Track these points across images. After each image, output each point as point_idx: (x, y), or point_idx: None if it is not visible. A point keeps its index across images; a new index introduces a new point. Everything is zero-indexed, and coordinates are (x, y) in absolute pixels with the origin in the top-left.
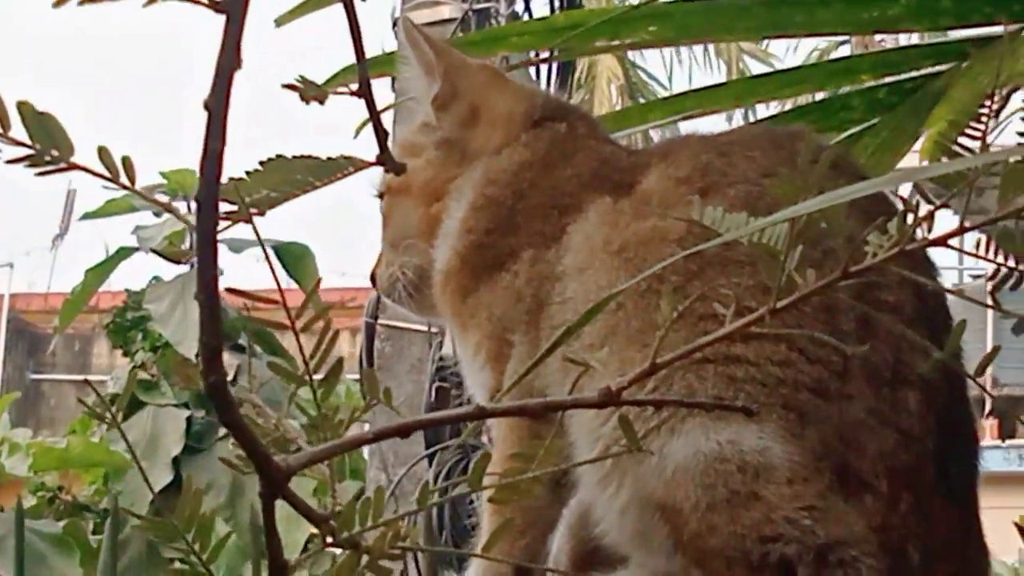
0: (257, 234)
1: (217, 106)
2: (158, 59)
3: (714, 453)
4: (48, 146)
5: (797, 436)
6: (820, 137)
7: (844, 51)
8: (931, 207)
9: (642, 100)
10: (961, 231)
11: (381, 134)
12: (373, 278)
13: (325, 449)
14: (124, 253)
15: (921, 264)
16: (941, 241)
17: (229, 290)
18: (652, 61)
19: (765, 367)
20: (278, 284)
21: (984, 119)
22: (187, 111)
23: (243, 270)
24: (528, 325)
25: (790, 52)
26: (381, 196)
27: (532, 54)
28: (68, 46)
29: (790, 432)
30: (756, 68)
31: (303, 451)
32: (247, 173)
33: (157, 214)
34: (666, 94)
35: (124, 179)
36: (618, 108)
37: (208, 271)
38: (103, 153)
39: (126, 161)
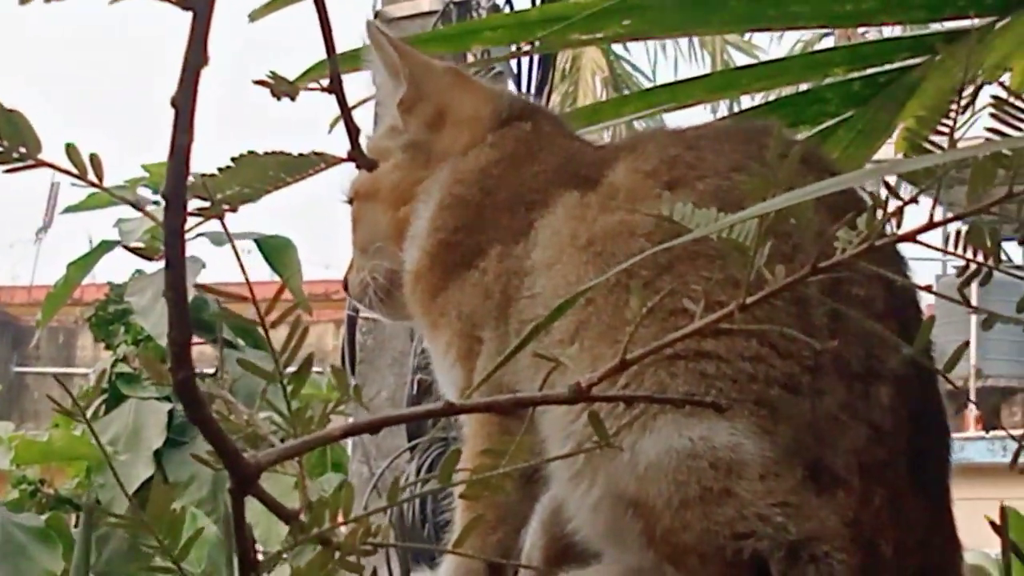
0: (227, 232)
1: (184, 102)
2: (137, 56)
3: (686, 450)
4: (16, 143)
5: (769, 432)
6: (790, 132)
7: (828, 42)
8: (900, 202)
9: (626, 92)
10: (930, 227)
11: (352, 130)
12: (346, 284)
13: (295, 446)
14: (106, 246)
15: (890, 259)
16: (910, 236)
17: (199, 287)
18: (636, 53)
19: (736, 363)
20: (247, 279)
21: (953, 115)
22: (159, 112)
23: (225, 263)
24: (497, 321)
25: (774, 43)
26: (350, 201)
27: (512, 48)
28: (44, 46)
29: (762, 428)
30: (740, 60)
31: (274, 447)
32: (219, 169)
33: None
34: (649, 86)
35: (92, 176)
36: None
37: (176, 267)
38: (71, 150)
39: (94, 158)
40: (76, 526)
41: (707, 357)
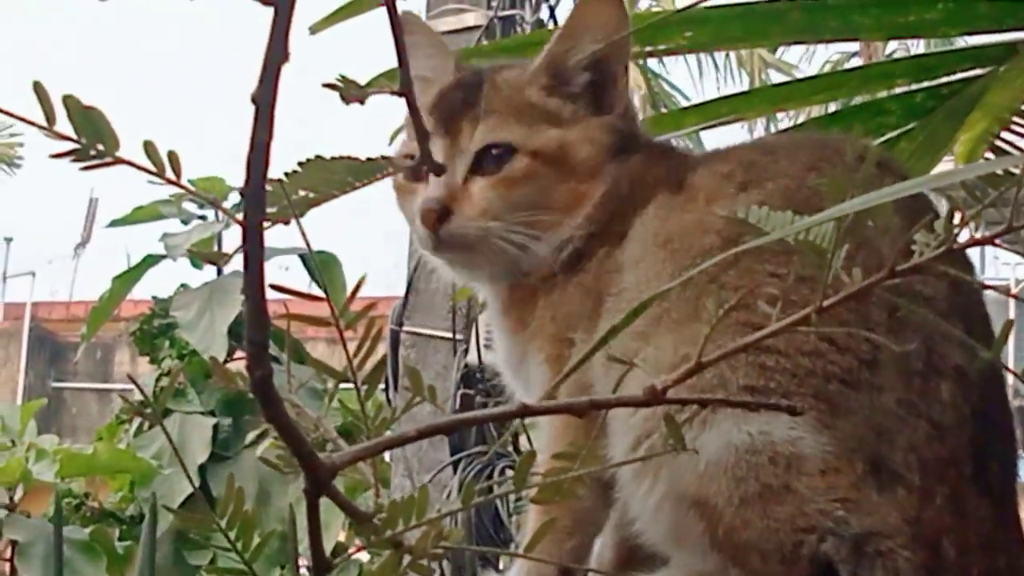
0: (303, 234)
1: (265, 100)
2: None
3: (745, 445)
4: (94, 140)
5: (828, 426)
6: (865, 140)
7: (854, 63)
8: (978, 206)
9: (664, 110)
10: (1009, 230)
11: (422, 135)
12: (446, 209)
13: (370, 446)
14: (151, 261)
15: (957, 260)
16: (988, 240)
17: (272, 287)
18: (674, 72)
19: (795, 357)
20: (324, 290)
21: None
22: (203, 127)
23: (272, 277)
24: (590, 321)
25: (804, 62)
26: (512, 152)
27: None
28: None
29: (821, 422)
30: (778, 79)
31: (344, 450)
32: (286, 174)
33: (185, 221)
34: (693, 102)
35: (170, 173)
36: (641, 117)
37: (255, 266)
38: (149, 147)
39: (172, 156)
40: (120, 539)
41: (767, 350)
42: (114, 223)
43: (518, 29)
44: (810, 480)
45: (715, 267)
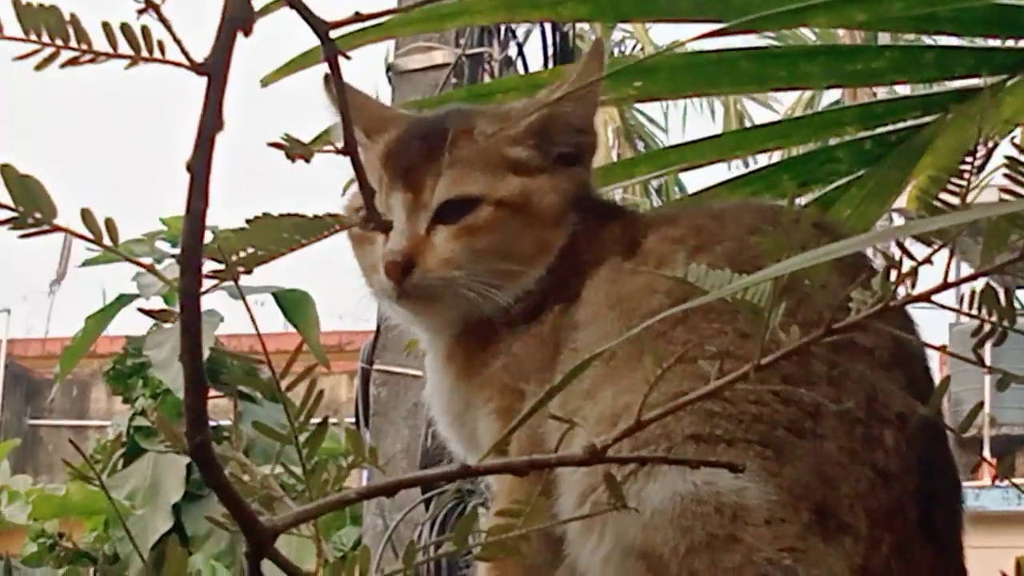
0: (241, 293)
1: (200, 167)
2: (146, 106)
3: (690, 494)
4: (31, 208)
5: (774, 474)
6: (802, 206)
7: (835, 94)
8: (914, 263)
9: (640, 143)
10: (944, 287)
11: (368, 192)
12: (410, 261)
13: (310, 509)
14: (124, 300)
15: (897, 313)
16: (924, 297)
17: (213, 349)
18: (649, 103)
19: (741, 403)
20: (261, 341)
21: (966, 175)
22: (176, 161)
23: (243, 315)
24: (542, 374)
25: (782, 93)
26: (477, 202)
27: None
28: (51, 94)
29: (767, 471)
30: (753, 108)
31: (290, 511)
32: (233, 231)
33: (158, 260)
34: (663, 139)
35: (107, 240)
36: (615, 151)
37: (192, 332)
38: (86, 216)
39: (109, 223)
40: None
41: (712, 396)
42: (87, 263)
43: (486, 67)
44: (756, 530)
45: (662, 325)
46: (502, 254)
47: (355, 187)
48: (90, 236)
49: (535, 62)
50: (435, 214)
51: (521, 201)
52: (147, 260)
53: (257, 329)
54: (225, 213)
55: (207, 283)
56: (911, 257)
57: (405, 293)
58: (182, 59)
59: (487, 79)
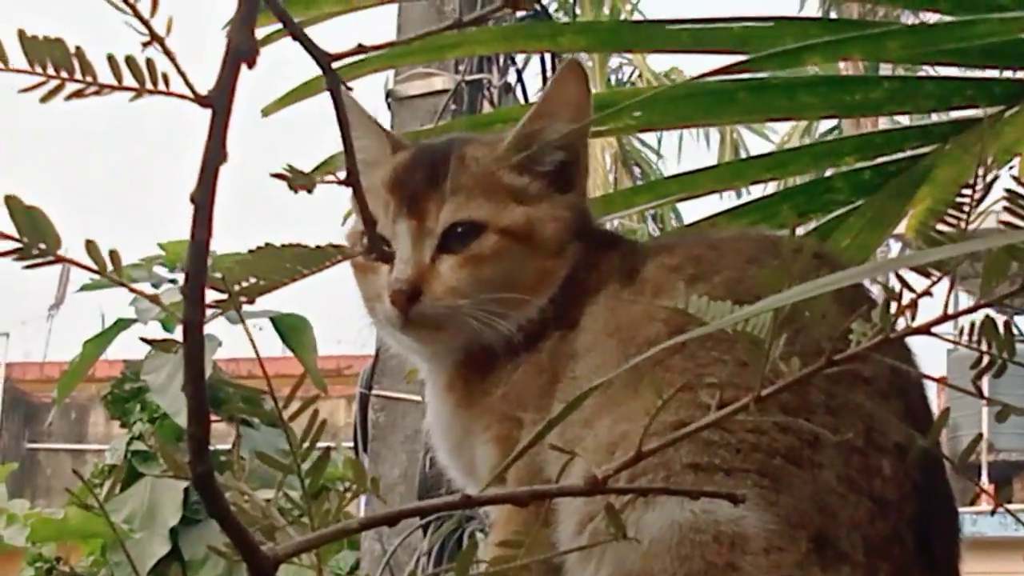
0: (242, 319)
1: (203, 199)
2: (148, 131)
3: (689, 523)
4: (36, 240)
5: (772, 503)
6: (803, 237)
7: (830, 122)
8: (913, 295)
9: (636, 167)
10: (944, 319)
11: (369, 223)
12: (416, 290)
13: (311, 539)
14: (122, 325)
15: (898, 346)
16: (924, 330)
17: (215, 374)
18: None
19: (739, 432)
20: (263, 367)
21: (965, 206)
22: (176, 187)
23: (241, 339)
24: (541, 401)
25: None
26: (481, 229)
27: None
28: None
29: (765, 499)
30: (749, 136)
31: (290, 539)
32: (235, 261)
33: (156, 285)
34: (659, 164)
35: (111, 272)
36: (612, 175)
37: (195, 363)
38: (91, 247)
39: (113, 254)
40: None
41: (711, 425)
42: (85, 288)
43: (485, 93)
44: (754, 558)
45: (661, 353)
46: (507, 283)
47: (356, 216)
48: (94, 267)
49: (534, 88)
50: (440, 241)
51: (525, 230)
52: (145, 285)
53: (258, 355)
54: (227, 239)
55: (209, 312)
56: (910, 289)
57: (410, 322)
58: (186, 91)
59: (486, 105)
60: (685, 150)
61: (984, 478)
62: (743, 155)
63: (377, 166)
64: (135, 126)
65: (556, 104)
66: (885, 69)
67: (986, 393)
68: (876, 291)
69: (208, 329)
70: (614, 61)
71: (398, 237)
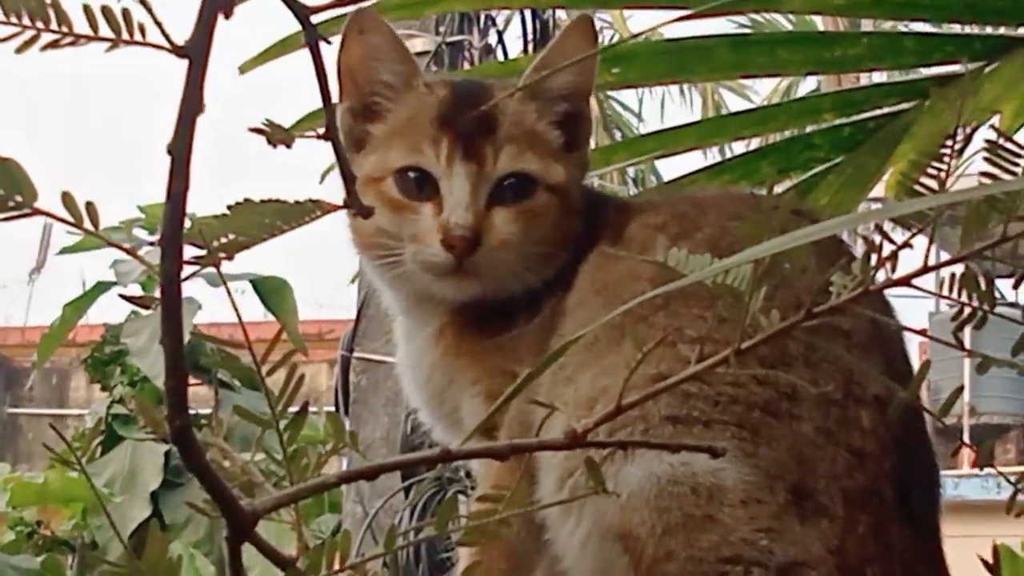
0: (223, 278)
1: (180, 151)
2: (122, 97)
3: (667, 475)
4: (11, 192)
5: (750, 455)
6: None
7: (812, 81)
8: (894, 247)
9: (617, 132)
10: (924, 271)
11: (348, 177)
12: (476, 238)
13: (290, 493)
14: (102, 287)
15: (875, 297)
16: (904, 281)
17: (194, 333)
18: (627, 92)
19: (718, 385)
20: (242, 325)
21: (946, 158)
22: (153, 151)
23: (221, 303)
24: (536, 358)
25: (759, 81)
26: (532, 182)
27: None
28: (28, 88)
29: (743, 451)
30: (730, 98)
31: (269, 494)
32: (214, 217)
33: (135, 248)
34: (640, 128)
35: (88, 224)
36: (593, 140)
37: (173, 316)
38: (67, 199)
39: (90, 206)
40: (72, 567)
41: (690, 377)
42: (65, 250)
43: (466, 55)
44: (732, 510)
45: (644, 310)
46: (545, 239)
47: (383, 150)
48: (71, 220)
49: (515, 50)
50: (493, 189)
51: (565, 187)
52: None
53: (239, 316)
54: (212, 197)
55: (188, 269)
56: (891, 241)
57: (462, 269)
58: (163, 42)
59: (467, 67)
60: (667, 113)
61: (966, 441)
62: None
63: (404, 93)
64: (113, 87)
65: (563, 57)
66: (866, 26)
67: (973, 351)
68: (857, 248)
69: (188, 292)
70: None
71: (454, 179)
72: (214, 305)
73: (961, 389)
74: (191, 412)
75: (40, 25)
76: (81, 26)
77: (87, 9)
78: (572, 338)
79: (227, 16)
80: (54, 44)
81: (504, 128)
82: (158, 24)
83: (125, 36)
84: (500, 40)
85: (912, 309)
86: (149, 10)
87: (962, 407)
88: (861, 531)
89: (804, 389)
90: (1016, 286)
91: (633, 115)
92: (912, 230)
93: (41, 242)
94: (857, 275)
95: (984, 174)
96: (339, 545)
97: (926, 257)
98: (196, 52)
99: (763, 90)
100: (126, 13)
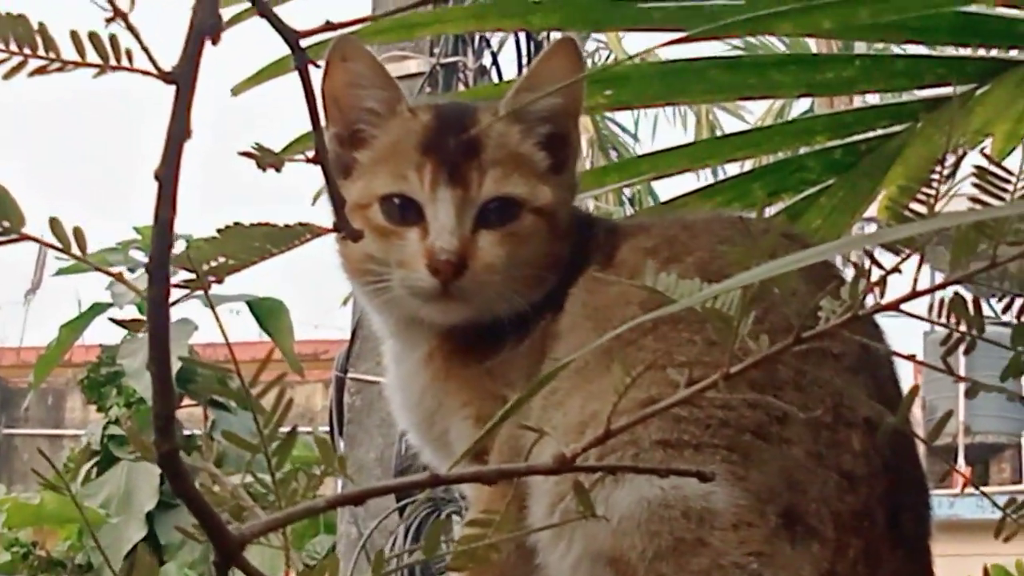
0: (210, 303)
1: (167, 176)
2: (108, 119)
3: (658, 499)
4: None
5: (741, 479)
6: (771, 217)
7: (806, 102)
8: (883, 271)
9: (613, 152)
10: (913, 296)
11: (338, 200)
12: (462, 263)
13: (278, 518)
14: (98, 309)
15: (867, 323)
16: (893, 306)
17: (182, 359)
18: (622, 112)
19: (708, 408)
20: (230, 348)
21: (935, 183)
22: (139, 174)
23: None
24: (527, 382)
25: (754, 105)
26: (517, 206)
27: None
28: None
29: (734, 475)
30: (725, 118)
31: (258, 519)
32: (204, 240)
33: (132, 269)
34: (636, 149)
35: (76, 250)
36: (589, 161)
37: (160, 340)
38: (54, 224)
39: (77, 232)
40: None
41: (681, 401)
42: (60, 272)
43: (460, 76)
44: (723, 534)
45: (633, 334)
46: (532, 263)
47: (368, 177)
48: (59, 245)
49: (510, 72)
50: (478, 213)
51: (552, 210)
52: (121, 269)
53: (225, 337)
54: (206, 221)
55: (178, 293)
56: (879, 266)
57: (448, 293)
58: (150, 68)
59: (461, 88)
60: (662, 134)
61: (961, 460)
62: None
63: (388, 119)
64: (109, 111)
65: (545, 79)
66: (860, 49)
67: (963, 376)
68: (847, 271)
69: (185, 313)
70: (591, 45)
71: (438, 204)
72: (211, 325)
73: (951, 413)
74: (187, 434)
75: (28, 51)
76: (69, 52)
77: (74, 35)
78: (561, 363)
79: (214, 42)
80: (42, 70)
81: (488, 151)
82: (145, 50)
83: (112, 62)
84: (495, 61)
85: (906, 328)
86: (136, 36)
87: (957, 426)
88: (852, 554)
89: (794, 413)
90: (1006, 311)
91: (629, 136)
92: (901, 255)
93: (37, 263)
94: (846, 300)
95: (973, 199)
96: (327, 568)
97: (915, 282)
98: (183, 78)
99: (758, 111)
100: (113, 39)
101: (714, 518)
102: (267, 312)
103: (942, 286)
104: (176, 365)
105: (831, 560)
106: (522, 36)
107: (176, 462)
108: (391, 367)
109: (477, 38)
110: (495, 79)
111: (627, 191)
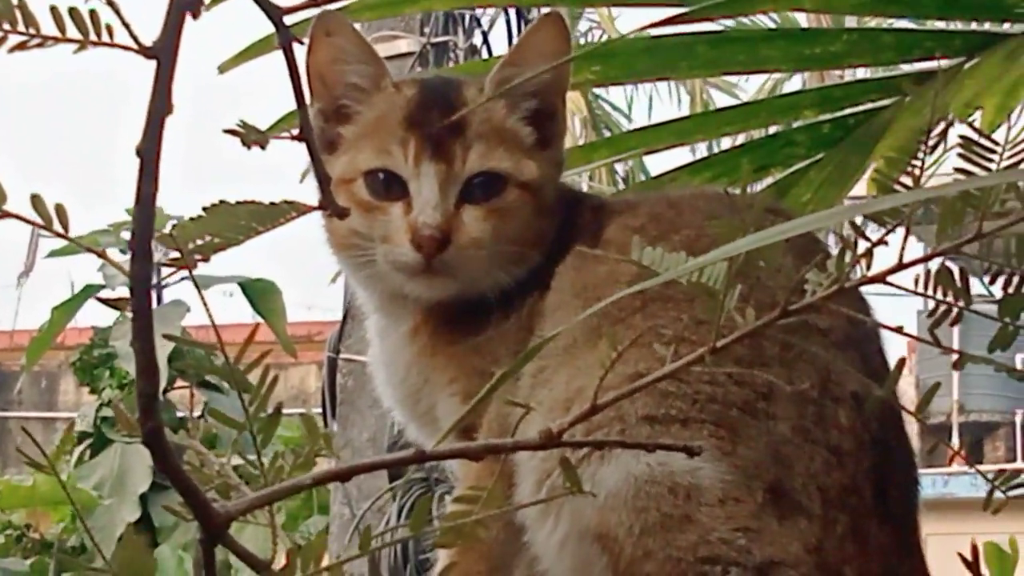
0: (196, 285)
1: (149, 151)
2: (91, 100)
3: (645, 475)
4: None
5: (728, 454)
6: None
7: (798, 79)
8: (869, 244)
9: (606, 131)
10: (899, 268)
11: (324, 178)
12: (446, 237)
13: (264, 495)
14: (90, 291)
15: (851, 295)
16: (879, 278)
17: (168, 336)
18: (615, 92)
19: (695, 383)
20: (215, 328)
21: (921, 155)
22: (124, 158)
23: (214, 305)
24: (513, 359)
25: (744, 79)
26: (502, 181)
27: None
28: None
29: (720, 450)
30: (718, 96)
31: (244, 496)
32: (190, 219)
33: (124, 251)
34: (628, 127)
35: (58, 226)
36: (582, 139)
37: (143, 318)
38: (36, 201)
39: (59, 209)
40: (61, 571)
41: (666, 376)
42: (53, 253)
43: (451, 56)
44: (710, 509)
45: (621, 312)
46: (517, 238)
47: (353, 152)
48: (40, 222)
49: (500, 50)
50: (462, 188)
51: (537, 185)
52: (113, 250)
53: (211, 317)
54: (189, 200)
55: (166, 272)
56: (865, 238)
57: (432, 268)
58: (131, 43)
59: (452, 68)
60: (657, 114)
61: (955, 439)
62: None
63: (373, 95)
64: (109, 88)
65: (530, 53)
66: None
67: (952, 348)
68: (833, 247)
69: (177, 295)
70: (583, 24)
71: (422, 179)
72: (202, 308)
73: (938, 385)
74: (180, 415)
75: (7, 27)
76: (49, 28)
77: (54, 11)
78: (545, 338)
79: (195, 16)
80: (21, 46)
81: (473, 126)
82: (126, 25)
83: (93, 37)
84: (485, 40)
85: (900, 306)
86: (117, 11)
87: (951, 404)
88: (839, 530)
89: (781, 388)
90: (992, 282)
91: (622, 115)
92: (887, 226)
93: (29, 245)
94: (832, 273)
95: (959, 170)
96: (314, 547)
97: (901, 254)
98: (164, 53)
99: (751, 88)
100: (93, 14)
101: (701, 494)
102: (260, 293)
103: (929, 258)
104: (165, 344)
105: (818, 535)
106: (512, 15)
107: (161, 440)
108: (375, 341)
109: (467, 17)
110: (486, 58)
111: (620, 168)
